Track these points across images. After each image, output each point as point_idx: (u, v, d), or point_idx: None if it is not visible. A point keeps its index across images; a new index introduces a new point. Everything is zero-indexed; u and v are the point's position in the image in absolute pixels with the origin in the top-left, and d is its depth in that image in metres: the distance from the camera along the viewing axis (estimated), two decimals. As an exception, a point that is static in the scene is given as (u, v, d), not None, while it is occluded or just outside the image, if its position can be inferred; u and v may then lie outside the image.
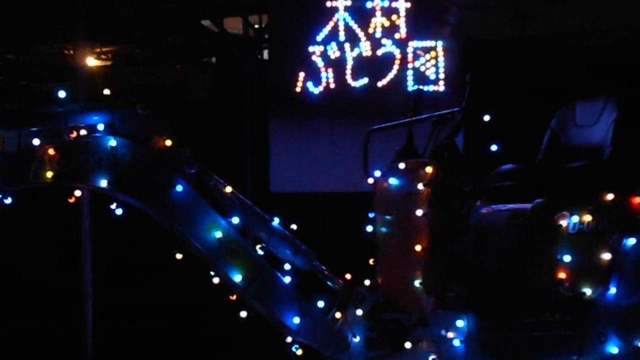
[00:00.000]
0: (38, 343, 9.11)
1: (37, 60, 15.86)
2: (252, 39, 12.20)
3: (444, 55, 9.36)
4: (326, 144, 9.76)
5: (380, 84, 9.47)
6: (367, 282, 5.87)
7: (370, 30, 9.46)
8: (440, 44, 9.35)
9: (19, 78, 16.48)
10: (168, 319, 9.99)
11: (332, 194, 10.17)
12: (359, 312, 5.77)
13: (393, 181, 5.75)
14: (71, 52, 12.07)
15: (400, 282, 5.72)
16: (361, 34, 9.46)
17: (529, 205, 5.93)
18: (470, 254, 5.86)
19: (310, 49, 9.51)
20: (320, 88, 9.55)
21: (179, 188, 5.47)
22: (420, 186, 5.60)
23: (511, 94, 10.76)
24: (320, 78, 9.53)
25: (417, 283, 5.60)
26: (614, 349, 5.68)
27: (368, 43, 9.45)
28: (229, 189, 5.83)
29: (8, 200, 5.34)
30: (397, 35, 9.42)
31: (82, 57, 8.53)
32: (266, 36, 11.56)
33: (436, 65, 9.37)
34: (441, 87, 9.32)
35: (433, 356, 5.59)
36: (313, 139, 9.83)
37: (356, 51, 9.47)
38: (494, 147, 6.04)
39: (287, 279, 5.72)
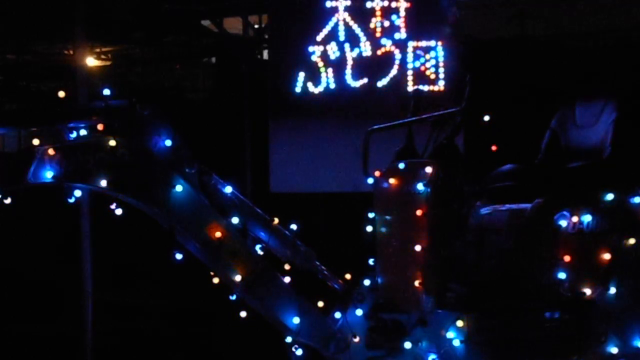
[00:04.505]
0: (38, 343, 9.11)
1: (37, 60, 15.88)
2: (252, 39, 12.22)
3: (444, 55, 9.38)
4: (326, 144, 9.76)
5: (380, 84, 9.48)
6: (367, 282, 5.87)
7: (370, 31, 9.47)
8: (440, 44, 9.37)
9: (19, 78, 16.50)
10: (168, 319, 9.99)
11: (332, 194, 10.17)
12: (359, 312, 5.76)
13: (393, 181, 5.75)
14: (71, 52, 12.06)
15: (400, 282, 5.72)
16: (361, 34, 9.46)
17: (529, 205, 5.92)
18: (470, 254, 5.86)
19: (310, 49, 9.51)
20: (320, 88, 9.55)
21: (179, 188, 5.46)
22: (420, 186, 5.60)
23: (511, 94, 10.76)
24: (320, 78, 9.53)
25: (417, 283, 5.60)
26: (614, 349, 5.68)
27: (368, 43, 9.46)
28: (229, 189, 5.83)
29: (8, 200, 5.32)
30: (397, 35, 9.42)
31: (82, 57, 8.53)
32: (266, 36, 11.57)
33: (436, 65, 9.38)
34: (441, 87, 9.33)
35: (433, 356, 5.59)
36: (313, 139, 9.83)
37: (356, 51, 9.47)
38: (494, 147, 6.04)
39: (287, 279, 5.72)
